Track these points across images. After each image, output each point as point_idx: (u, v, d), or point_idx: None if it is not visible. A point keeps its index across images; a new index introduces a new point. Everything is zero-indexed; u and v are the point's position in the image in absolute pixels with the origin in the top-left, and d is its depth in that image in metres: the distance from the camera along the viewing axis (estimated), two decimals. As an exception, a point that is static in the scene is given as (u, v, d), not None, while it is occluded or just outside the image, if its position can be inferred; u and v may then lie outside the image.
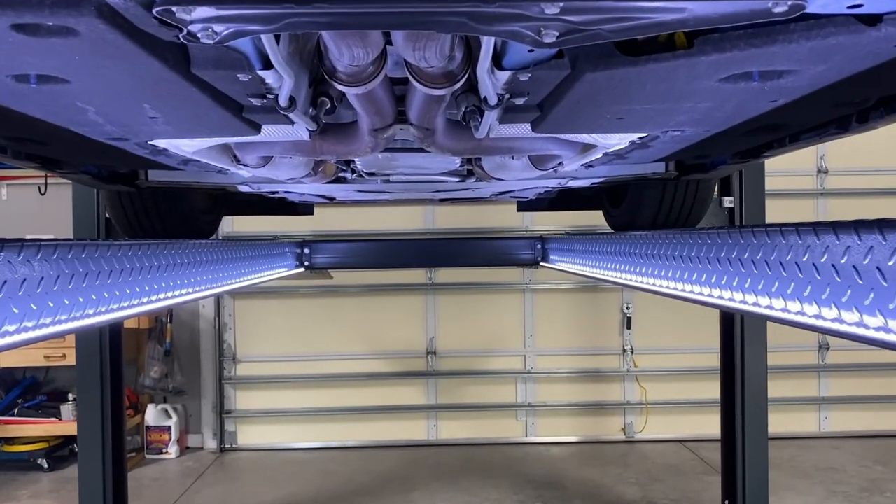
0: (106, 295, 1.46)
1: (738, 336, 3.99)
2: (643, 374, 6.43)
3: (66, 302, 1.28)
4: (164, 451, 6.11)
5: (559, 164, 2.28)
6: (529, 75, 1.24)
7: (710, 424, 6.35)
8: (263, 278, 3.22)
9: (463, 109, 1.65)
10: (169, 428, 6.10)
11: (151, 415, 6.11)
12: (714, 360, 6.42)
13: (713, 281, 1.59)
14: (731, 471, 4.12)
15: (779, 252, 1.23)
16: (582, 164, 2.52)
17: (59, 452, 5.87)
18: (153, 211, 3.12)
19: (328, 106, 1.65)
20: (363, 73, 1.35)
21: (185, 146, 1.93)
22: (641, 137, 1.92)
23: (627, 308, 6.36)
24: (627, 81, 1.24)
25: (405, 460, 6.00)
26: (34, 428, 5.77)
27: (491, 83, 1.28)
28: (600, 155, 2.19)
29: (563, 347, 6.42)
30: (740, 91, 1.33)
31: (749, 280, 1.37)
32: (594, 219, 5.86)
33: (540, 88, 1.34)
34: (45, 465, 5.74)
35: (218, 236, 6.14)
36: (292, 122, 1.65)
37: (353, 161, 2.51)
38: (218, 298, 6.24)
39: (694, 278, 1.75)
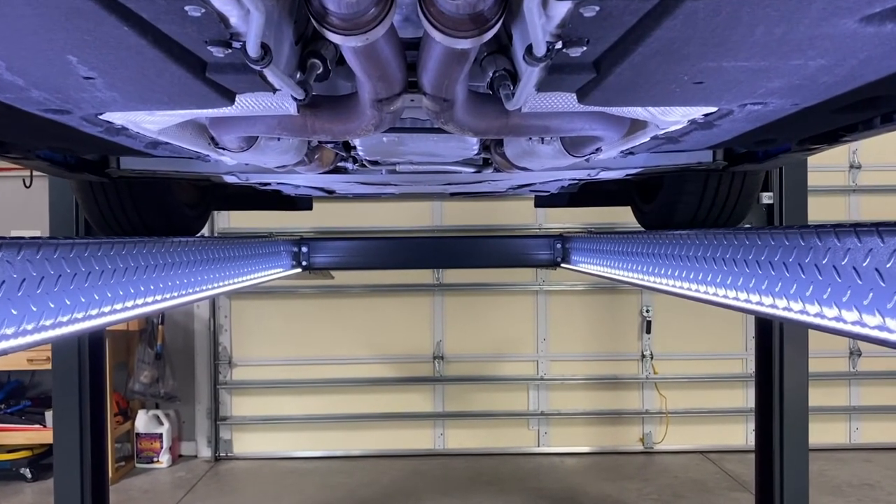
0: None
1: (776, 341, 3.68)
2: (663, 382, 6.09)
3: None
4: (156, 459, 5.79)
5: (597, 149, 1.92)
6: (598, 9, 0.88)
7: (734, 435, 6.07)
8: (255, 280, 2.89)
9: (491, 74, 1.31)
10: (160, 435, 5.78)
11: (142, 421, 5.78)
12: (738, 367, 6.16)
13: (774, 288, 1.35)
14: (767, 486, 3.79)
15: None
16: (621, 151, 2.17)
17: (44, 461, 5.53)
18: (129, 204, 2.78)
19: (320, 70, 1.31)
20: (363, 15, 0.99)
21: (146, 123, 1.58)
22: (708, 114, 1.56)
23: (647, 311, 6.02)
24: (736, 19, 0.88)
25: (411, 471, 5.66)
26: (17, 435, 5.44)
27: (540, 24, 0.92)
28: (648, 139, 1.83)
29: (578, 352, 6.09)
30: (880, 40, 0.97)
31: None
32: (613, 215, 5.56)
33: (606, 33, 0.98)
34: (29, 475, 5.43)
35: (214, 232, 5.84)
36: (274, 89, 1.30)
37: (354, 147, 2.16)
38: (213, 299, 5.91)
39: (754, 285, 1.46)
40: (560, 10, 0.89)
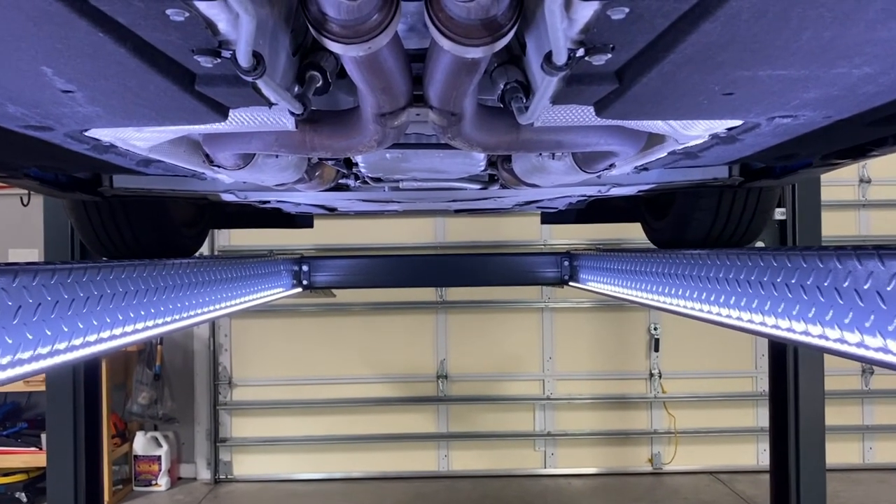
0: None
1: (790, 359, 3.62)
2: (672, 401, 5.98)
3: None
4: (154, 482, 5.67)
5: (610, 165, 1.83)
6: (627, 11, 0.79)
7: (744, 455, 5.96)
8: (255, 302, 2.80)
9: (502, 87, 1.22)
10: (159, 458, 5.66)
11: (140, 443, 5.67)
12: (748, 385, 6.06)
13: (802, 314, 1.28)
14: (782, 508, 3.67)
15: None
16: (635, 167, 2.08)
17: (41, 485, 5.41)
18: (124, 224, 2.69)
19: (319, 82, 1.22)
20: (365, 22, 0.91)
21: (135, 140, 1.49)
22: (732, 128, 1.47)
23: (655, 329, 5.90)
24: (783, 21, 0.78)
25: (414, 493, 5.53)
26: (13, 458, 5.31)
27: (562, 28, 0.83)
28: (664, 154, 1.74)
29: (585, 371, 5.98)
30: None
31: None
32: (619, 232, 5.47)
33: (634, 38, 0.89)
34: (24, 499, 5.30)
35: (214, 250, 5.76)
36: (270, 103, 1.21)
37: (356, 164, 2.07)
38: (212, 318, 5.80)
39: (780, 309, 1.36)
40: (585, 13, 0.79)
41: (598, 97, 1.18)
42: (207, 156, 1.71)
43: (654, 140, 1.65)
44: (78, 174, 2.20)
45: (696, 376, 5.94)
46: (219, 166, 1.74)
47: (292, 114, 1.22)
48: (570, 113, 1.33)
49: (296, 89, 1.23)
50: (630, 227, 5.42)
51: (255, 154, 1.73)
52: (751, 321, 1.46)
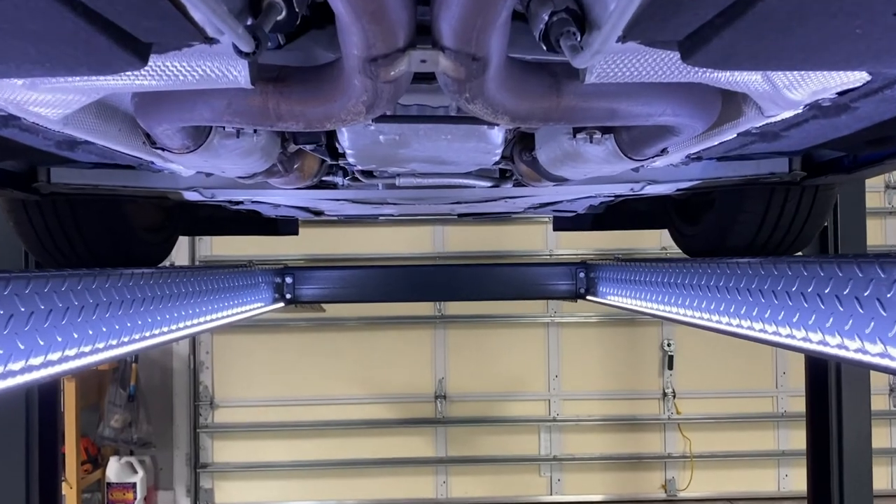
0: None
1: (832, 377, 3.36)
2: (687, 422, 5.76)
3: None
4: (128, 511, 5.28)
5: (663, 150, 1.45)
6: None
7: (764, 480, 5.77)
8: (230, 319, 2.46)
9: (545, 20, 0.86)
10: (134, 485, 5.37)
11: (113, 469, 5.39)
12: (768, 406, 5.74)
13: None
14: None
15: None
16: (687, 155, 1.70)
17: (4, 515, 5.00)
18: (72, 228, 2.31)
19: (282, 13, 0.86)
20: None
21: (35, 106, 1.11)
22: (845, 91, 1.09)
23: (668, 345, 5.70)
24: None
25: (410, 524, 5.19)
26: (-27, 487, 4.90)
27: None
28: (734, 134, 1.38)
29: (593, 390, 5.76)
30: None
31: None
32: (630, 241, 5.14)
33: None
34: (-15, 532, 4.87)
35: (195, 261, 5.44)
36: (206, 36, 0.82)
37: (343, 155, 1.68)
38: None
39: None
40: None
41: (694, 25, 0.79)
42: (149, 136, 1.33)
43: (728, 114, 1.28)
44: (2, 165, 1.81)
45: (713, 396, 5.71)
46: (162, 148, 1.35)
47: (240, 53, 0.83)
48: (641, 61, 0.94)
49: (248, 21, 0.85)
50: (643, 236, 5.11)
51: (208, 132, 1.35)
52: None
